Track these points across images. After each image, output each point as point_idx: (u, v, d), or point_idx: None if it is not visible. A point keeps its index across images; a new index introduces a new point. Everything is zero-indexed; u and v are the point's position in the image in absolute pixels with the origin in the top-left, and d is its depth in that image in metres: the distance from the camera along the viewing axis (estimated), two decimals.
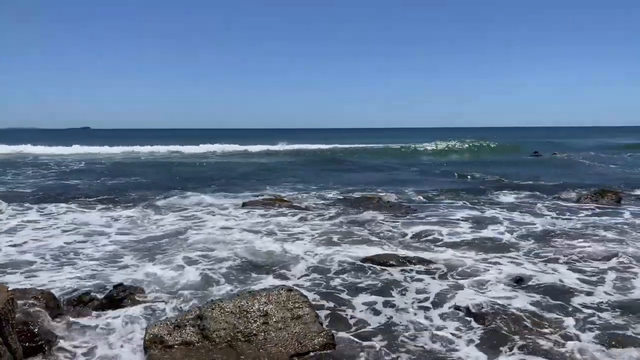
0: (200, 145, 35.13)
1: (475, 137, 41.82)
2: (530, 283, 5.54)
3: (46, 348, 3.88)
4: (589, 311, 4.75)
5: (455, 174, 18.00)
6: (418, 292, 5.36)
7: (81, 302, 4.71)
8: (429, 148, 31.35)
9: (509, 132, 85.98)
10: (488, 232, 8.12)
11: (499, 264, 6.32)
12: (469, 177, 17.14)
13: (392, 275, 5.92)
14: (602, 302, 4.96)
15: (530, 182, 14.98)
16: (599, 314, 4.68)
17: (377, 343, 4.13)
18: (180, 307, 4.85)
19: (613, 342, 4.08)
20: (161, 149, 33.61)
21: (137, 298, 4.90)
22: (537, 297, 5.11)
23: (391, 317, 4.67)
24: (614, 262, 6.29)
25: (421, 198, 11.91)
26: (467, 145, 34.51)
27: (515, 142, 39.25)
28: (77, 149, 32.96)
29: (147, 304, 4.89)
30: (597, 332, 4.29)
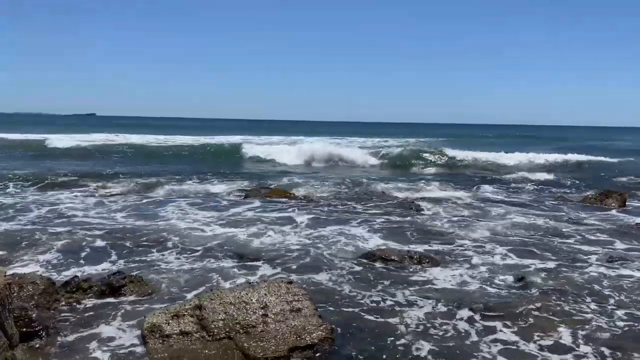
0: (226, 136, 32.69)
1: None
2: (529, 281, 5.50)
3: (43, 334, 3.85)
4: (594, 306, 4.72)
5: (467, 172, 17.93)
6: (420, 286, 5.31)
7: (80, 289, 4.67)
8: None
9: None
10: (492, 228, 8.03)
11: (503, 260, 6.30)
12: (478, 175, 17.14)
13: (394, 269, 5.86)
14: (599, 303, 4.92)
15: (541, 179, 14.94)
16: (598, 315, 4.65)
17: (377, 337, 4.08)
18: (180, 297, 4.81)
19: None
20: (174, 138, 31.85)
21: (136, 286, 4.86)
22: (537, 296, 5.06)
23: (392, 312, 4.62)
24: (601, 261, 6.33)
25: (425, 193, 11.84)
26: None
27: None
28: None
29: (146, 293, 4.86)
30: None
